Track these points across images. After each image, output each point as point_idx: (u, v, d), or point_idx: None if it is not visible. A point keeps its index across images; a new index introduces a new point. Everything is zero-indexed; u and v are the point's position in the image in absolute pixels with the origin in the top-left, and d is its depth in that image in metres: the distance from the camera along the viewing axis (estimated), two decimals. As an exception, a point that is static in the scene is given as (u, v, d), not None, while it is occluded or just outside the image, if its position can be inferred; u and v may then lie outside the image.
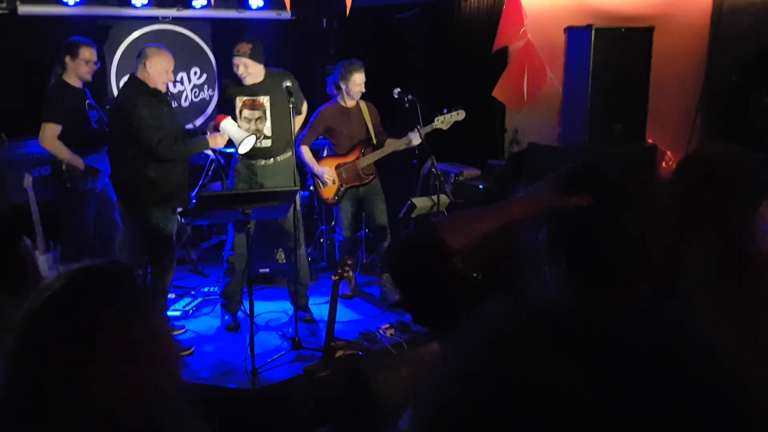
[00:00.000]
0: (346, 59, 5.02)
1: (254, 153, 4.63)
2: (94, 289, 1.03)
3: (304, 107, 4.88)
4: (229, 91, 4.68)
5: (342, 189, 5.15)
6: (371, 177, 5.18)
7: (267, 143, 4.65)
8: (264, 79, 4.56)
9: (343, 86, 4.97)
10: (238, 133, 4.36)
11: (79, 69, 4.71)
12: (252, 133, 4.46)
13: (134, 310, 1.04)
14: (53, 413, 0.95)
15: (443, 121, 5.02)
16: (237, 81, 4.57)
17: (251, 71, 4.48)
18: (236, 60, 4.46)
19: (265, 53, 4.57)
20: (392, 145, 5.07)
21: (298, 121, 4.86)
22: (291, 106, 4.42)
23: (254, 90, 4.58)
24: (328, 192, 5.17)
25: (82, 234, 4.86)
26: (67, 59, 4.67)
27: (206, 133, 4.48)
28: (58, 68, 4.70)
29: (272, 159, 4.68)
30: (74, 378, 0.96)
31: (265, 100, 4.58)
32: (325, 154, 5.40)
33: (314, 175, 5.14)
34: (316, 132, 5.09)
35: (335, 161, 5.15)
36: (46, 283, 1.04)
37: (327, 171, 5.08)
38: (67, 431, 0.96)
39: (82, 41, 4.74)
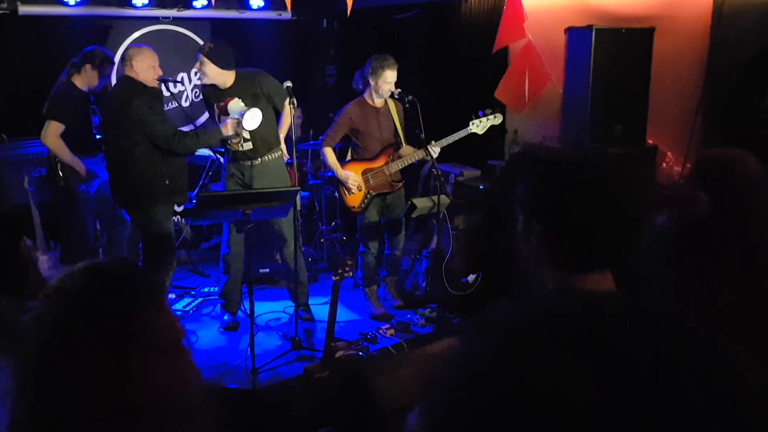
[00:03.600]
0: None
1: (239, 155, 4.56)
2: (111, 287, 1.03)
3: (286, 104, 4.46)
4: (206, 98, 4.60)
5: (369, 196, 4.80)
6: (399, 184, 4.89)
7: (248, 146, 4.52)
8: (234, 83, 4.45)
9: (372, 82, 4.66)
10: (243, 110, 4.29)
11: (93, 79, 4.76)
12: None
13: (152, 303, 1.04)
14: (84, 415, 0.95)
15: (479, 125, 4.72)
16: (212, 86, 4.45)
17: (205, 70, 4.34)
18: (198, 56, 4.37)
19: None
20: (412, 155, 4.75)
21: (289, 118, 4.58)
22: (291, 106, 4.40)
23: (226, 94, 4.42)
24: (354, 200, 4.79)
25: (81, 233, 4.86)
26: (88, 67, 4.70)
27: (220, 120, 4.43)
28: (71, 68, 4.71)
29: (259, 159, 4.57)
30: (109, 378, 0.96)
31: None
32: (349, 157, 4.96)
33: (338, 182, 4.79)
34: (341, 132, 4.75)
35: (362, 166, 4.79)
36: (53, 287, 1.02)
37: (352, 176, 4.72)
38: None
39: (110, 57, 4.83)
